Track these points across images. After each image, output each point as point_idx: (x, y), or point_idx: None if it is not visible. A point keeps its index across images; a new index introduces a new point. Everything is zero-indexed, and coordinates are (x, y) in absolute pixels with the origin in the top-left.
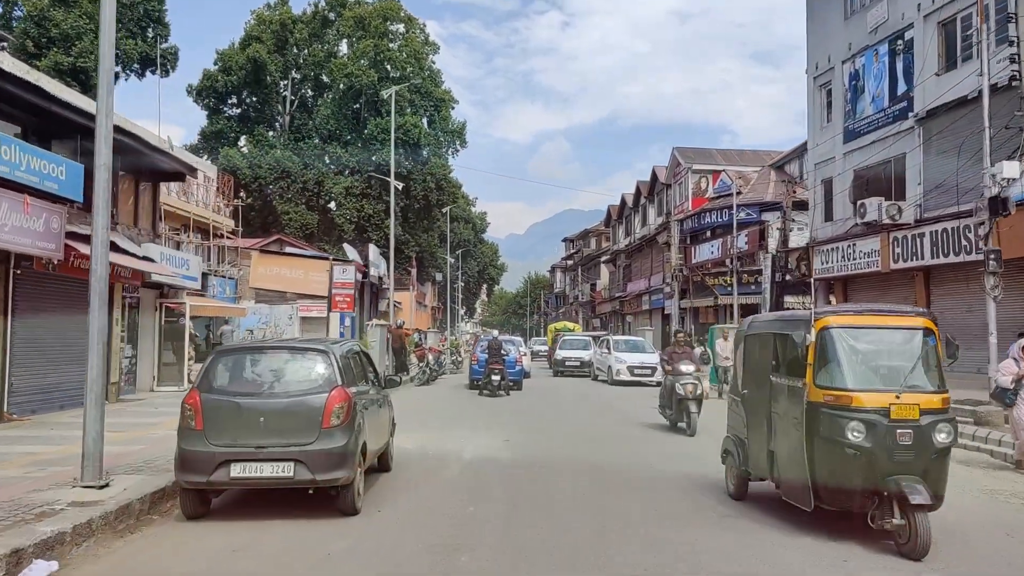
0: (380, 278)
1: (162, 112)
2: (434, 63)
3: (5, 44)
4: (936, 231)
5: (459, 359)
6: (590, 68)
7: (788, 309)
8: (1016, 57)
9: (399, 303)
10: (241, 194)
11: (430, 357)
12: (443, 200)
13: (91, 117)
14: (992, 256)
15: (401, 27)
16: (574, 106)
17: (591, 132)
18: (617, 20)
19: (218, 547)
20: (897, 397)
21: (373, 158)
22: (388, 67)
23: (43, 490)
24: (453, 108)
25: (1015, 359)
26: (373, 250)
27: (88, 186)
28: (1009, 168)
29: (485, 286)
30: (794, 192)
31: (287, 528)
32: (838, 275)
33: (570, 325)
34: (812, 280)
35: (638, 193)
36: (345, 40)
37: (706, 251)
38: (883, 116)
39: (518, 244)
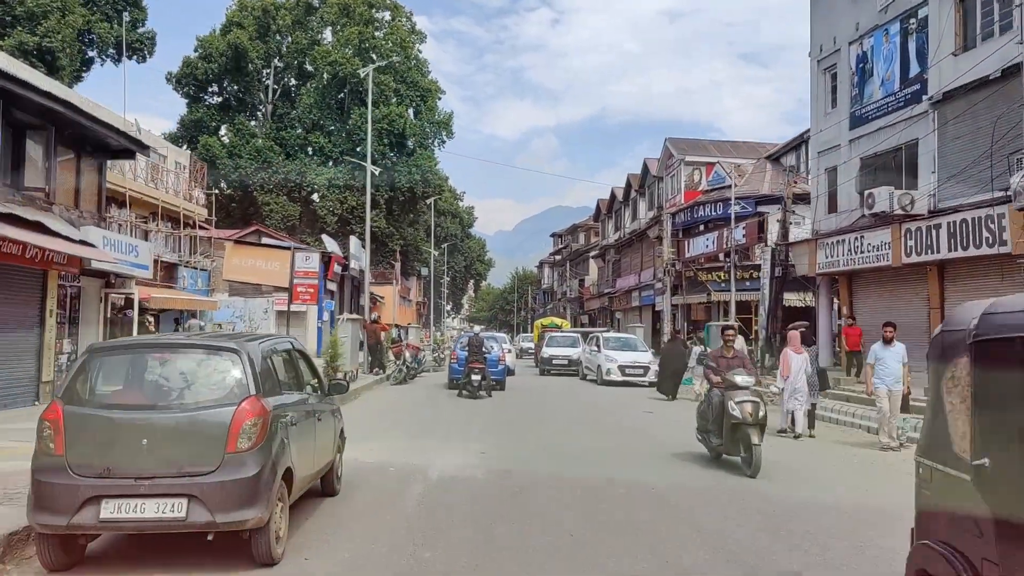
0: (362, 271)
1: (142, 101)
2: (420, 52)
3: None
4: (954, 222)
5: (442, 356)
6: (580, 66)
7: (789, 307)
8: None
9: (381, 297)
10: (222, 185)
11: (407, 354)
12: (428, 192)
13: None
14: None
15: (387, 15)
16: (563, 103)
17: (580, 129)
18: (607, 18)
19: None
20: None
21: (357, 149)
22: (373, 56)
23: None
24: (440, 99)
25: None
26: (354, 242)
27: None
28: None
29: (472, 281)
30: (795, 182)
31: None
32: (843, 270)
33: (557, 321)
34: (815, 275)
35: (628, 187)
36: (329, 28)
37: (700, 244)
38: (894, 100)
39: (507, 241)
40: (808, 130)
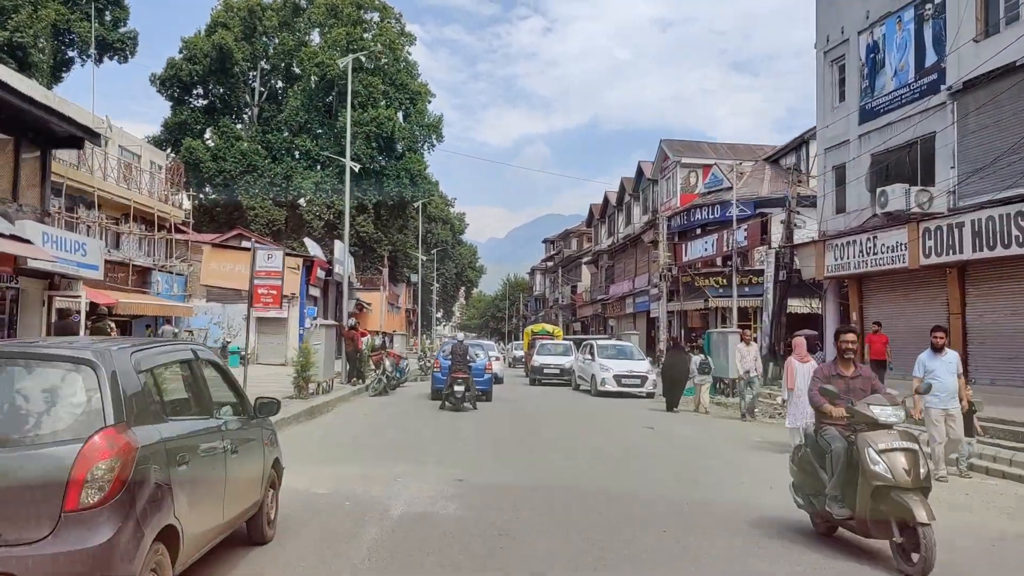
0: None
1: (127, 105)
2: (410, 54)
3: None
4: (979, 220)
5: (428, 365)
6: (572, 74)
7: (793, 313)
8: None
9: (369, 304)
10: (206, 189)
11: (387, 363)
12: (417, 196)
13: None
14: None
15: (376, 16)
16: (555, 111)
17: (572, 137)
18: (599, 26)
19: None
20: None
21: (344, 153)
22: (362, 58)
23: None
24: (430, 102)
25: None
26: (339, 247)
27: None
28: None
29: (463, 288)
30: (800, 181)
31: None
32: (853, 272)
33: (549, 328)
34: (823, 279)
35: (622, 191)
36: (317, 29)
37: (699, 248)
38: (908, 91)
39: (499, 248)
40: (809, 131)
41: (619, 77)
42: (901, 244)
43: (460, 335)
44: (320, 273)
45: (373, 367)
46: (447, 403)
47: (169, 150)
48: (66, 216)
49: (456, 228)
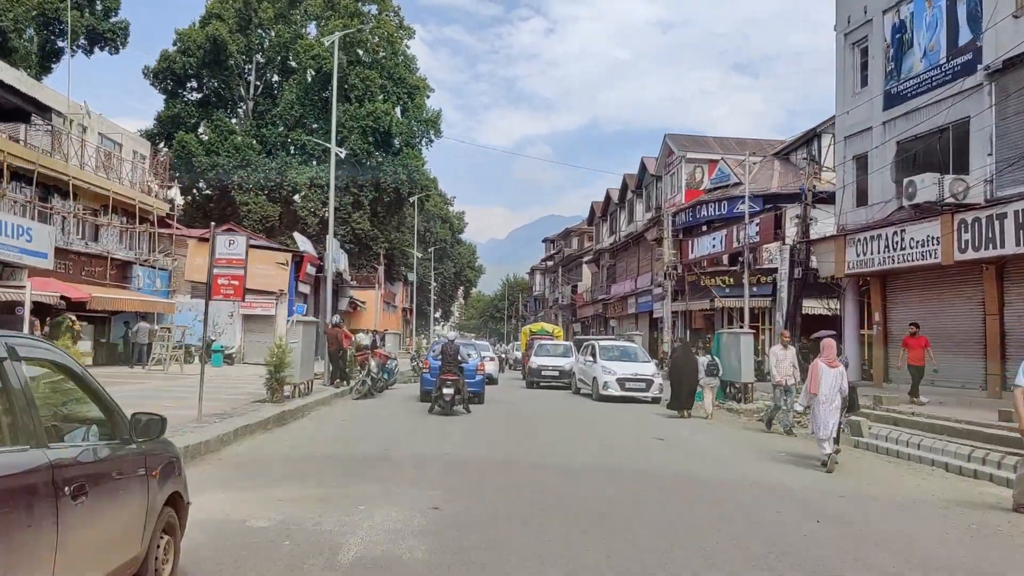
0: (340, 273)
1: (120, 98)
2: (408, 48)
3: None
4: (1021, 211)
5: (421, 366)
6: (572, 74)
7: (809, 314)
8: None
9: (363, 302)
10: (200, 184)
11: (372, 363)
12: (415, 192)
13: None
14: None
15: (374, 8)
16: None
17: (573, 138)
18: (600, 28)
19: None
20: None
21: (341, 147)
22: (359, 51)
23: None
24: (428, 96)
25: None
26: (333, 243)
27: None
28: None
29: (462, 288)
30: (816, 172)
31: None
32: (876, 270)
33: (548, 327)
34: (843, 277)
35: (624, 187)
36: (314, 22)
37: (706, 244)
38: (938, 73)
39: (499, 249)
40: (822, 123)
41: (619, 78)
42: (933, 238)
43: (451, 334)
44: (311, 269)
45: (359, 368)
46: (436, 407)
47: (162, 144)
48: (39, 205)
49: (455, 227)
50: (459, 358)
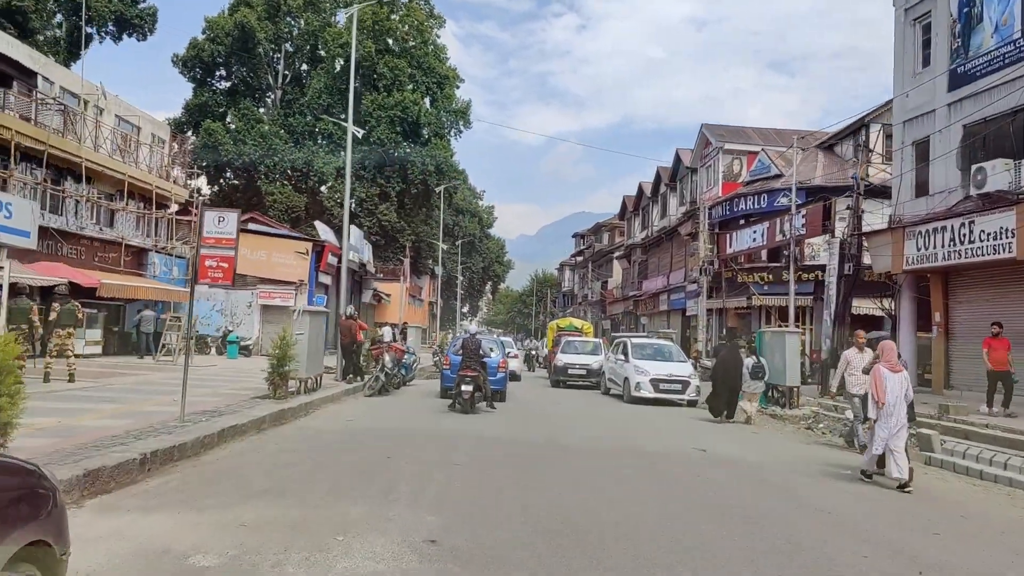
0: (363, 264)
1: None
2: (438, 37)
3: None
4: None
5: (442, 361)
6: (605, 72)
7: (858, 315)
8: None
9: (387, 295)
10: (227, 174)
11: (387, 358)
12: (442, 183)
13: None
14: None
15: None
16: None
17: (604, 135)
18: (633, 25)
19: None
20: None
21: (369, 137)
22: (388, 40)
23: None
24: (458, 87)
25: None
26: (355, 232)
27: None
28: None
29: (490, 283)
30: (868, 160)
31: None
32: (939, 265)
33: (576, 323)
34: (900, 273)
35: (658, 180)
36: (343, 10)
37: (746, 238)
38: (1012, 50)
39: (528, 245)
40: (871, 112)
41: (652, 76)
42: (1006, 230)
43: (472, 327)
44: (332, 260)
45: (375, 363)
46: (456, 404)
47: (190, 132)
48: (51, 188)
49: (484, 221)
50: (480, 353)
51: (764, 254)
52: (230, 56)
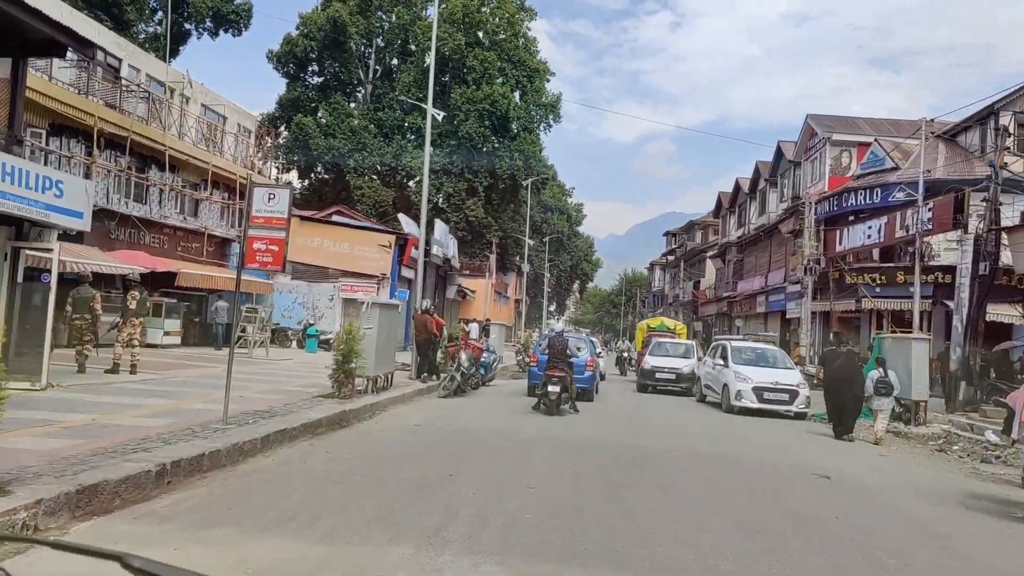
0: (449, 259)
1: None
2: (529, 30)
3: None
4: None
5: (525, 360)
6: (699, 70)
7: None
8: None
9: (472, 291)
10: (317, 169)
11: (463, 356)
12: (530, 178)
13: None
14: None
15: None
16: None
17: (697, 135)
18: (728, 22)
19: None
20: None
21: (458, 131)
22: (479, 33)
23: None
24: (548, 80)
25: None
26: (440, 227)
27: None
28: None
29: (577, 282)
30: (1006, 146)
31: None
32: None
33: (669, 323)
34: None
35: (756, 176)
36: (433, 3)
37: (859, 235)
38: None
39: (617, 245)
40: (1001, 99)
41: (748, 73)
42: None
43: (558, 326)
44: (415, 253)
45: (452, 361)
46: (541, 405)
47: (283, 127)
48: (135, 176)
49: (573, 219)
50: (567, 352)
51: (875, 253)
52: (322, 51)
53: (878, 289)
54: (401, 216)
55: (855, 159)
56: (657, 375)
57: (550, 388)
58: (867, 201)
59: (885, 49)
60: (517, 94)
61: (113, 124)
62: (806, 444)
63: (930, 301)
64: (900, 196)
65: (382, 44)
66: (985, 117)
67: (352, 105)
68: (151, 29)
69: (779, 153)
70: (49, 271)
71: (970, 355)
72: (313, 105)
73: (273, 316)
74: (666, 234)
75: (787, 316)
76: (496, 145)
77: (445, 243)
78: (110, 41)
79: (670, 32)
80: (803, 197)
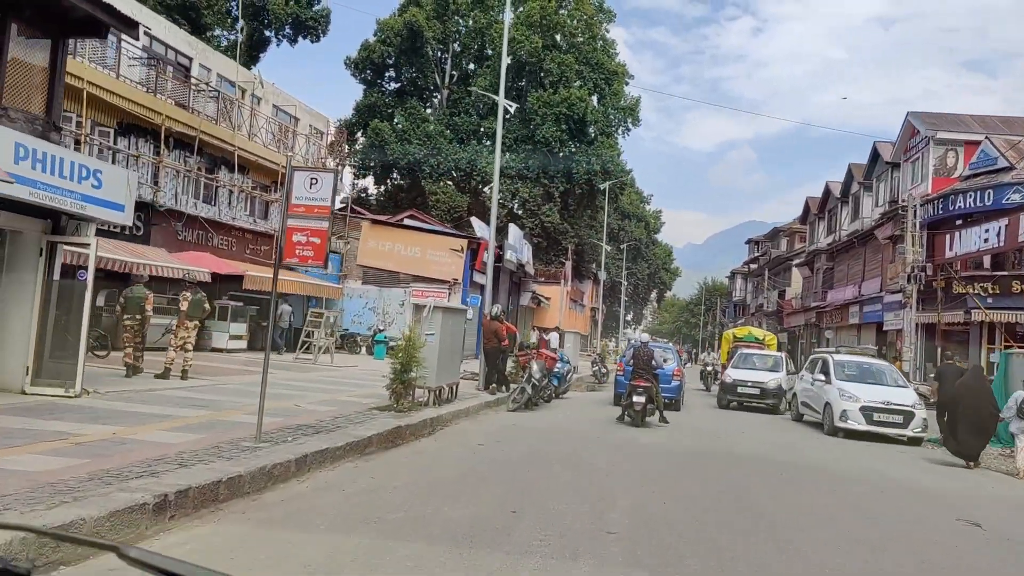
0: (523, 265)
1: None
2: (607, 31)
3: None
4: None
5: (603, 371)
6: (781, 76)
7: None
8: None
9: (547, 298)
10: (393, 175)
11: (534, 367)
12: (608, 182)
13: None
14: None
15: None
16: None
17: (778, 142)
18: (812, 26)
19: None
20: None
21: (534, 135)
22: (556, 36)
23: None
24: (627, 83)
25: None
26: (515, 232)
27: None
28: None
29: (655, 291)
30: None
31: None
32: None
33: (757, 333)
34: None
35: (849, 179)
36: (511, 6)
37: (973, 238)
38: None
39: (695, 254)
40: None
41: (832, 79)
42: None
43: (644, 336)
44: (488, 258)
45: (523, 372)
46: (626, 416)
47: (360, 133)
48: (205, 177)
49: (651, 226)
50: (653, 364)
51: (987, 260)
52: (399, 57)
53: (990, 299)
54: (474, 220)
55: (962, 159)
56: (739, 389)
57: (635, 399)
58: (977, 204)
59: (979, 51)
60: (595, 97)
61: (182, 123)
62: (928, 474)
63: None
64: (1016, 198)
65: (458, 49)
66: None
67: (428, 110)
68: (232, 37)
69: (875, 154)
70: (86, 267)
71: None
72: (390, 111)
73: (343, 321)
74: (748, 242)
75: (883, 328)
76: (573, 149)
77: (519, 248)
78: (181, 40)
79: (751, 38)
80: (903, 200)
